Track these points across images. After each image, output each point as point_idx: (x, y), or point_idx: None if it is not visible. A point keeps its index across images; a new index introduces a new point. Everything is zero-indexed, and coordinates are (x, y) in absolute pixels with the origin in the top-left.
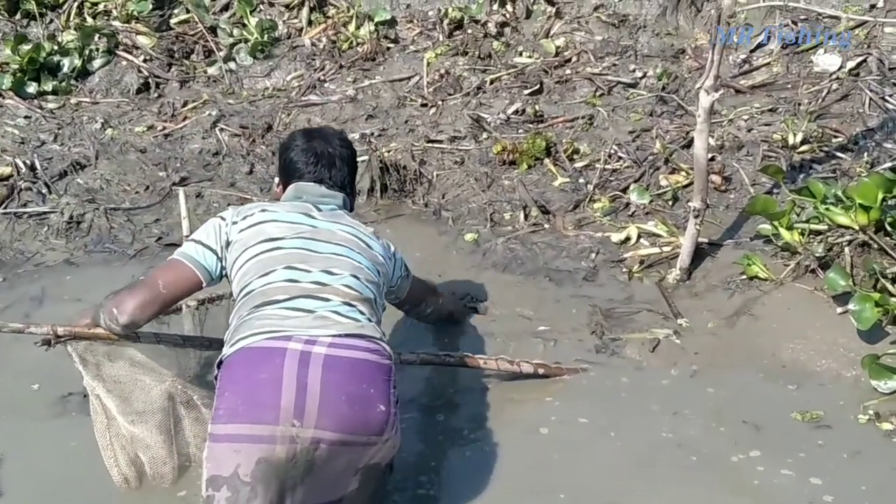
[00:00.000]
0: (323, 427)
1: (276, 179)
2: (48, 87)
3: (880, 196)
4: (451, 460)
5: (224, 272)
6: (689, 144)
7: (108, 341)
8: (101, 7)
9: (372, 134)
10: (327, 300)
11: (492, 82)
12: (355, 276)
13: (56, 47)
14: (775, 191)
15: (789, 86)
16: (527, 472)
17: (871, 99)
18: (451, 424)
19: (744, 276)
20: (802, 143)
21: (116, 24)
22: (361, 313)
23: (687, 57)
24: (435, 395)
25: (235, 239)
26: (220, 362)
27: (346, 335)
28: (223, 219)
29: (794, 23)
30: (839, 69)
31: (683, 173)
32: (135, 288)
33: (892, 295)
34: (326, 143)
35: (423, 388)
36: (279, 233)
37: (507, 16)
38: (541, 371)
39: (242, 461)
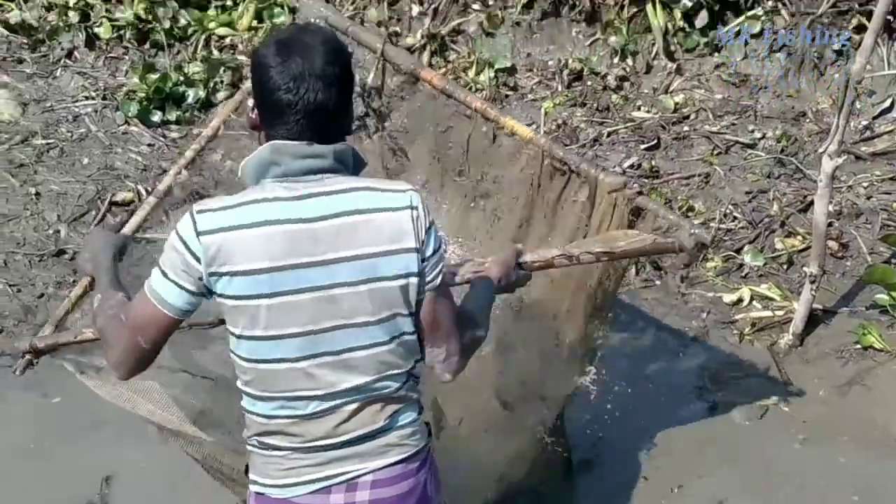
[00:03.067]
0: None
1: (251, 103)
2: (172, 116)
3: None
4: None
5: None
6: (807, 208)
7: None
8: (227, 41)
9: None
10: (353, 431)
11: (609, 135)
12: (376, 377)
13: (182, 78)
14: (893, 261)
15: None
16: None
17: None
18: None
19: (858, 346)
20: None
21: (242, 58)
22: (394, 406)
23: (808, 120)
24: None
25: (219, 299)
26: (257, 492)
27: (387, 466)
28: (192, 253)
29: None
30: None
31: (800, 237)
32: (117, 339)
33: None
34: (306, 59)
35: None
36: (275, 325)
37: (627, 70)
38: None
39: None
